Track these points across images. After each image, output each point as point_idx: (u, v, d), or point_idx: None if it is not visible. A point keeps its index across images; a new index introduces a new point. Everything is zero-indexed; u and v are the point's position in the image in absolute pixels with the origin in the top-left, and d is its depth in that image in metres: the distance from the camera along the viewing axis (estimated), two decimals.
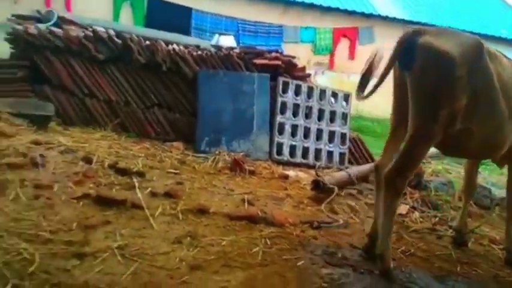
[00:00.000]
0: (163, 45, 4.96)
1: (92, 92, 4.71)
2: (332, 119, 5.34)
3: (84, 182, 3.04)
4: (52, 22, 4.97)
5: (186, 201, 3.13)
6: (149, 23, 10.54)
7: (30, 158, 3.05)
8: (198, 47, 5.53)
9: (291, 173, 4.39)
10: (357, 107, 9.02)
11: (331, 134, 5.29)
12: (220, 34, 5.70)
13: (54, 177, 2.98)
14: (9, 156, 3.03)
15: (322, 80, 11.95)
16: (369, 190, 4.16)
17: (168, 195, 3.15)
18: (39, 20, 5.09)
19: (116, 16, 11.20)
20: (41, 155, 3.15)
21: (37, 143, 3.39)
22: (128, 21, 10.87)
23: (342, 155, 5.30)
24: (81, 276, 2.02)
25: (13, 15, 5.22)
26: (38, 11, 5.48)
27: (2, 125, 3.47)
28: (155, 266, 2.23)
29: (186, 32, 10.52)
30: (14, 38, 4.75)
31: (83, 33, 4.69)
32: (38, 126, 3.89)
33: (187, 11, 11.30)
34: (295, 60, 5.40)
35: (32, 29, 4.57)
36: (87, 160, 3.39)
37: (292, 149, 5.05)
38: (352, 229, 3.21)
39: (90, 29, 4.83)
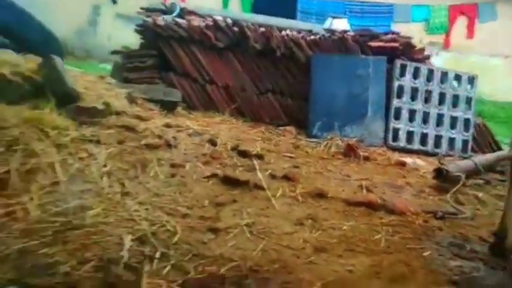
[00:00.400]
0: (277, 31, 5.06)
1: (212, 79, 5.01)
2: (455, 104, 5.00)
3: (211, 163, 3.26)
4: (176, 13, 5.35)
5: (303, 184, 3.20)
6: (256, 9, 10.78)
7: (165, 140, 3.36)
8: (310, 31, 5.54)
9: (409, 160, 4.24)
10: (478, 89, 8.38)
11: (454, 120, 4.97)
12: (333, 17, 5.64)
13: (186, 158, 3.25)
14: (146, 137, 3.35)
15: (436, 60, 11.18)
16: (498, 181, 3.85)
17: (286, 178, 3.25)
18: (164, 12, 5.51)
19: (225, 4, 11.63)
20: (173, 137, 3.45)
21: (168, 126, 3.71)
22: (236, 8, 11.24)
23: (465, 142, 4.96)
24: (217, 249, 2.20)
25: (142, 8, 5.71)
26: (163, 3, 5.93)
27: (139, 109, 3.85)
28: (281, 244, 2.34)
29: (292, 16, 10.56)
30: (143, 30, 5.22)
31: (204, 23, 4.98)
32: (167, 110, 4.25)
33: None
34: (413, 41, 5.15)
35: (160, 20, 4.97)
36: (212, 142, 3.62)
37: (410, 135, 4.85)
38: (480, 221, 3.01)
39: (210, 19, 5.11)
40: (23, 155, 2.54)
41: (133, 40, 5.61)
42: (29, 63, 3.39)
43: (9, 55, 3.40)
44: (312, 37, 5.07)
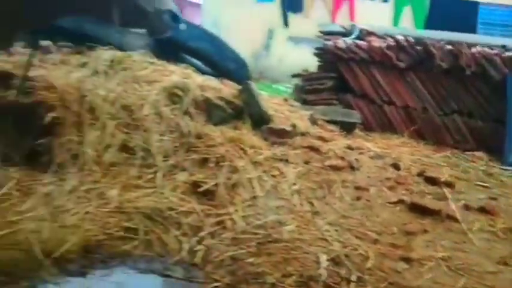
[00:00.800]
0: (467, 48, 4.69)
1: (391, 99, 4.88)
2: None
3: (396, 188, 3.18)
4: (355, 35, 5.39)
5: (504, 219, 2.89)
6: (430, 24, 10.15)
7: (348, 162, 3.40)
8: (503, 46, 4.99)
9: None
10: None
11: None
12: None
13: (369, 181, 3.22)
14: (330, 159, 3.44)
15: None
16: None
17: (483, 210, 2.98)
18: (343, 34, 5.60)
19: (396, 21, 11.23)
20: (356, 159, 3.47)
21: (349, 147, 3.74)
22: (407, 25, 10.76)
23: None
24: (413, 281, 2.12)
25: (321, 32, 5.90)
26: (343, 26, 6.04)
27: (321, 131, 3.97)
28: (485, 284, 2.14)
29: (471, 29, 9.66)
30: (322, 52, 5.39)
31: (385, 44, 4.91)
32: (346, 132, 4.30)
33: (473, 5, 10.37)
34: None
35: (340, 43, 5.07)
36: (395, 166, 3.52)
37: None
38: None
39: (391, 39, 5.01)
40: (228, 170, 2.86)
41: (303, 61, 5.83)
42: (227, 88, 3.83)
43: (212, 81, 3.88)
44: (509, 53, 4.55)
